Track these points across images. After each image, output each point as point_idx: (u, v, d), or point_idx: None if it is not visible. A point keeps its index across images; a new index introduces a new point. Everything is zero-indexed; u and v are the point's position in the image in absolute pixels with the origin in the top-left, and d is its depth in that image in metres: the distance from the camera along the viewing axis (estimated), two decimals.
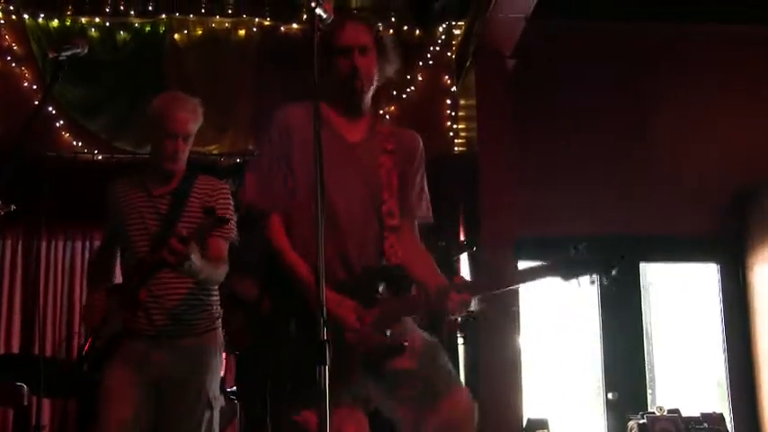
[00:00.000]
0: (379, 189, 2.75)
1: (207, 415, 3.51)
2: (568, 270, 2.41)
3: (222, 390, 3.71)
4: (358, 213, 2.71)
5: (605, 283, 2.37)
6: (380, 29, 2.88)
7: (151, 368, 3.43)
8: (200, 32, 6.74)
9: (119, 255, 3.68)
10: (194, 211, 3.45)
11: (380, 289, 2.63)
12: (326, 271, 2.34)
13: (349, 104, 2.80)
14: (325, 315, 2.09)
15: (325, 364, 2.03)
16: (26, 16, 6.55)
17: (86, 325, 3.56)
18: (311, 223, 2.56)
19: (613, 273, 2.38)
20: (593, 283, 2.40)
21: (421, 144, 2.93)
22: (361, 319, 2.57)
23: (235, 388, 4.81)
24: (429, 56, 6.89)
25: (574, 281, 2.42)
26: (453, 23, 6.96)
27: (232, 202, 3.60)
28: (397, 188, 2.78)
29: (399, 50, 2.86)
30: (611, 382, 6.89)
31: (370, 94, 2.81)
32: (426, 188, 2.92)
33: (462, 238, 6.36)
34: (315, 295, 2.19)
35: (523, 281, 2.55)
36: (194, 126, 3.58)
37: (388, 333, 2.58)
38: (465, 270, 6.11)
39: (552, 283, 2.45)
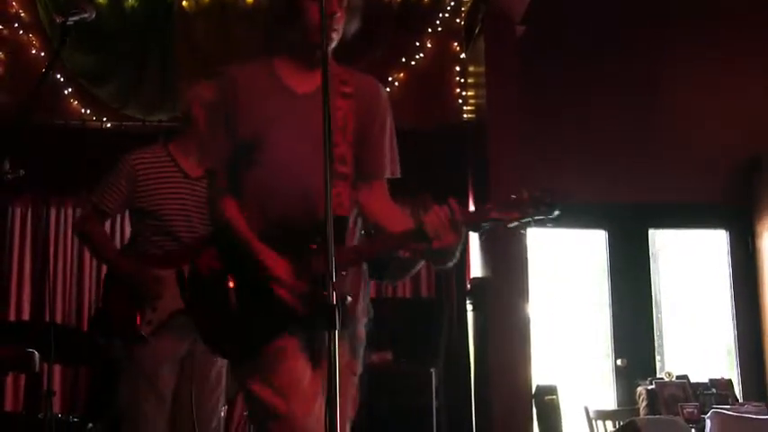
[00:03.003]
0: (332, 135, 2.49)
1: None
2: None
3: None
4: (298, 168, 2.53)
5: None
6: None
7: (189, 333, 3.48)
8: None
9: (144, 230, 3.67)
10: None
11: (317, 242, 2.40)
12: (273, 229, 2.47)
13: (308, 56, 2.59)
14: (334, 279, 2.05)
15: (335, 328, 2.01)
16: None
17: (149, 297, 3.54)
18: (262, 180, 2.53)
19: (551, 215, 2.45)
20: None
21: (383, 91, 2.75)
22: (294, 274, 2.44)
23: None
24: (438, 22, 6.82)
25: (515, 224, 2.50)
26: None
27: None
28: (354, 134, 2.60)
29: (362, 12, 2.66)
30: (620, 348, 6.91)
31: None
32: (395, 141, 2.72)
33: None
34: (269, 269, 2.41)
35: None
36: None
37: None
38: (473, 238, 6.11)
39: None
